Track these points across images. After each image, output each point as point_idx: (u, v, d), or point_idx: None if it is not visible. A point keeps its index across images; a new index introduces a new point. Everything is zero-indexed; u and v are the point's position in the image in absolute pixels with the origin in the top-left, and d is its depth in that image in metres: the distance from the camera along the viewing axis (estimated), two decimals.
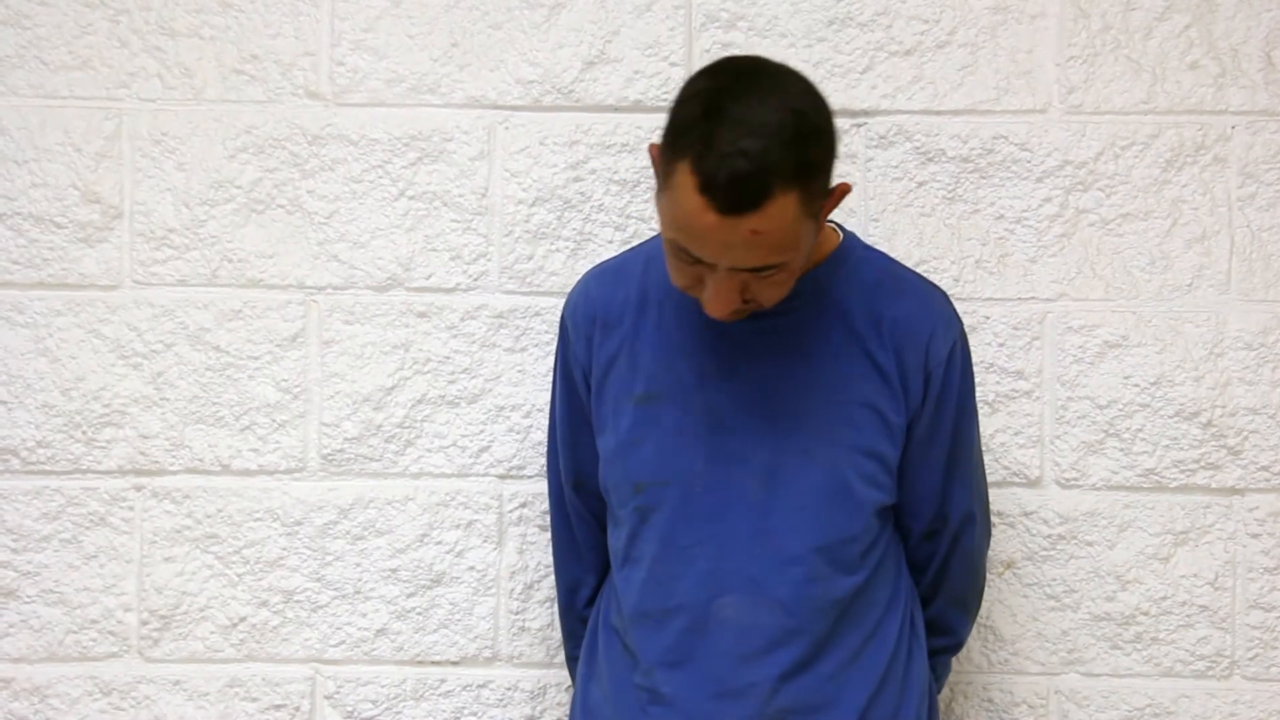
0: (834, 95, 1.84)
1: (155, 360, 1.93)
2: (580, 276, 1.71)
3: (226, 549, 1.94)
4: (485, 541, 1.94)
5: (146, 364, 1.93)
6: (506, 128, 1.94)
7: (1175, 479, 1.93)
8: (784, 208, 1.39)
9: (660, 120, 1.93)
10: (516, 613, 1.95)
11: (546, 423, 1.78)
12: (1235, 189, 1.93)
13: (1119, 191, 1.93)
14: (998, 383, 1.93)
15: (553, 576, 1.83)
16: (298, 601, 1.94)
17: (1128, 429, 1.92)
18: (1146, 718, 1.93)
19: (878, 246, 1.75)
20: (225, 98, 1.93)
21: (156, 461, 1.94)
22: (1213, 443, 1.92)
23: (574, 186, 1.93)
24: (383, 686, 1.94)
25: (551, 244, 1.94)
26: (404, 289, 1.94)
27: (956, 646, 1.76)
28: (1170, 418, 1.92)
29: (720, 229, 1.38)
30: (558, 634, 1.87)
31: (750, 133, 1.37)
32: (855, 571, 1.58)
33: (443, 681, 1.95)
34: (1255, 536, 1.93)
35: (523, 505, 1.94)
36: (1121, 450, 1.93)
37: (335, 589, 1.94)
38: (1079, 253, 1.93)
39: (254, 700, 1.94)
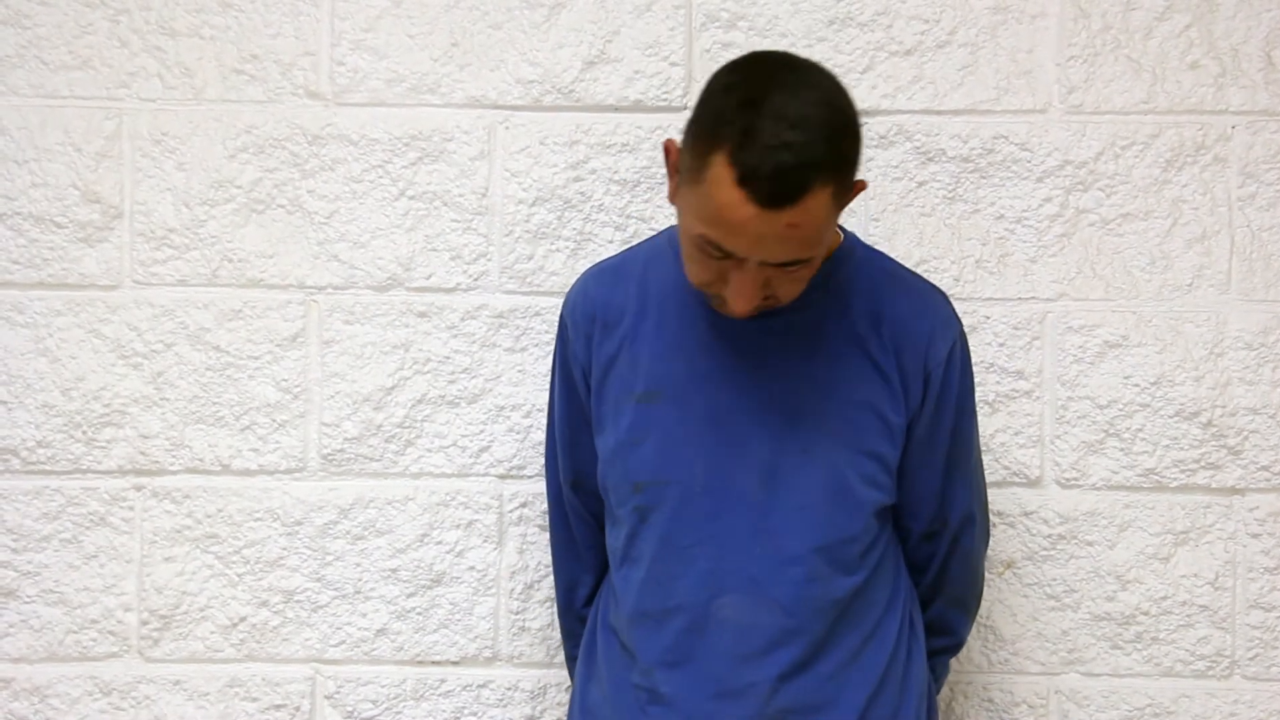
0: None
1: (155, 360, 1.93)
2: (579, 275, 1.71)
3: (227, 549, 1.94)
4: (485, 541, 1.94)
5: (147, 364, 1.93)
6: (507, 127, 1.94)
7: (1175, 479, 1.93)
8: (820, 201, 1.38)
9: (660, 120, 1.95)
10: (517, 613, 1.95)
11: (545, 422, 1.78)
12: (1235, 189, 1.93)
13: (1119, 191, 1.93)
14: (998, 383, 1.93)
15: (552, 576, 1.83)
16: (298, 601, 1.94)
17: (1128, 429, 1.92)
18: (1147, 718, 1.93)
19: (878, 246, 1.75)
20: (225, 97, 1.93)
21: (157, 461, 1.94)
22: (1213, 443, 1.92)
23: (574, 186, 1.93)
24: (383, 686, 1.94)
25: (552, 244, 1.94)
26: (404, 289, 1.94)
27: (956, 647, 1.76)
28: (1170, 418, 1.92)
29: (757, 222, 1.37)
30: (558, 634, 1.87)
31: (792, 125, 1.36)
32: (855, 572, 1.58)
33: (443, 681, 1.95)
34: (1255, 536, 1.93)
35: (523, 505, 1.94)
36: (1122, 450, 1.93)
37: (335, 589, 1.94)
38: (1079, 253, 1.93)
39: (254, 700, 1.94)
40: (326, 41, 1.94)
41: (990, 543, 1.89)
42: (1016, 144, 1.93)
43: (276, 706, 1.94)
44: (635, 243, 1.82)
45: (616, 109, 1.93)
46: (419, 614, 1.94)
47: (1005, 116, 1.93)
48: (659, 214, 1.93)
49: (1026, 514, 1.93)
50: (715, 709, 1.56)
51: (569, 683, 1.86)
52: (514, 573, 1.95)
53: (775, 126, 1.36)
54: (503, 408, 1.94)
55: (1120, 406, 1.93)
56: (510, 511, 1.94)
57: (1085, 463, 1.93)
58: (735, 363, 1.57)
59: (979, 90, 1.93)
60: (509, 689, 1.95)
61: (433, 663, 1.95)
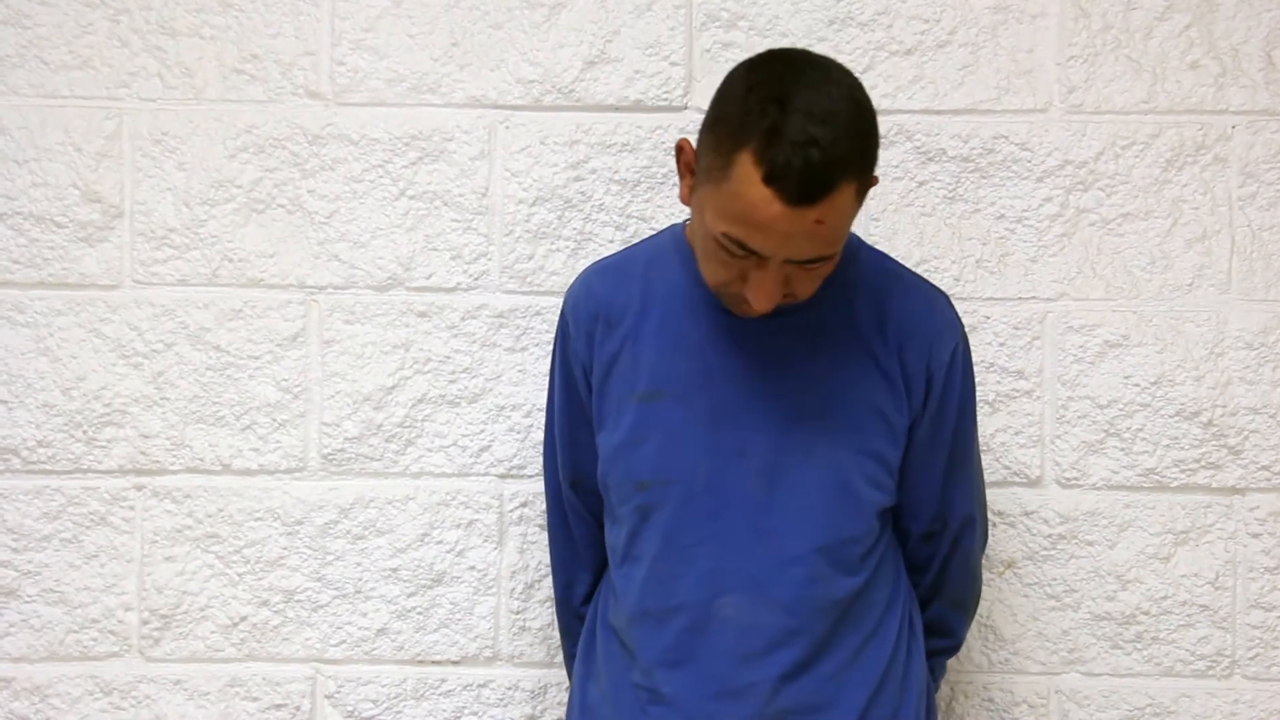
0: None
1: (156, 360, 1.93)
2: (580, 272, 1.71)
3: (227, 548, 1.94)
4: (486, 541, 1.94)
5: (147, 363, 1.93)
6: (507, 127, 1.94)
7: (1176, 479, 1.93)
8: (846, 198, 1.39)
9: (661, 120, 1.95)
10: (517, 612, 1.95)
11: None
12: (1236, 188, 1.93)
13: (1119, 191, 1.93)
14: (998, 382, 1.93)
15: (550, 575, 1.83)
16: (298, 601, 1.94)
17: (1128, 429, 1.92)
18: (1147, 717, 1.93)
19: (878, 246, 1.75)
20: (226, 97, 1.93)
21: (157, 461, 1.94)
22: (1213, 442, 1.92)
23: (574, 186, 1.93)
24: (383, 686, 1.94)
25: (552, 243, 1.94)
26: (404, 288, 1.94)
27: (955, 648, 1.76)
28: (1171, 417, 1.92)
29: (785, 219, 1.37)
30: (558, 633, 1.86)
31: (820, 121, 1.36)
32: (856, 573, 1.58)
33: (443, 681, 1.95)
34: (1256, 536, 1.93)
35: (523, 505, 1.94)
36: (1122, 450, 1.93)
37: (336, 588, 1.94)
38: (1079, 252, 1.93)
39: (254, 700, 1.94)
40: (327, 41, 1.94)
41: (990, 542, 1.90)
42: (1017, 144, 1.93)
43: (277, 706, 1.94)
44: (635, 242, 1.82)
45: (617, 109, 1.93)
46: (419, 613, 1.94)
47: (1005, 116, 1.93)
48: (659, 214, 1.93)
49: (1027, 514, 1.93)
50: (716, 709, 1.55)
51: (568, 682, 1.86)
52: (514, 572, 1.95)
53: (803, 123, 1.35)
54: (503, 407, 1.94)
55: (1120, 406, 1.93)
56: (510, 511, 1.94)
57: (1085, 462, 1.93)
58: (738, 362, 1.57)
59: (979, 90, 1.93)
60: (509, 688, 1.95)
61: (433, 662, 1.95)
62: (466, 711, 1.95)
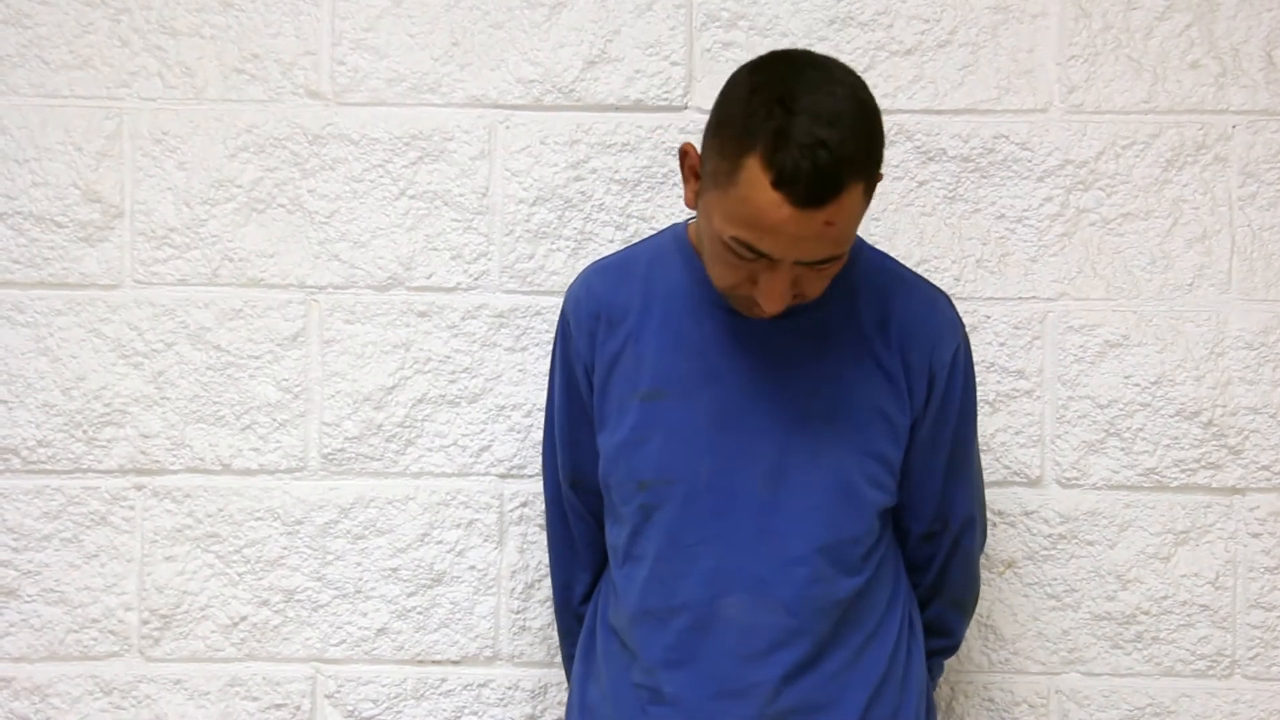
0: None
1: (156, 359, 1.93)
2: (580, 272, 1.71)
3: (227, 548, 1.94)
4: (486, 541, 1.94)
5: (147, 363, 1.93)
6: (507, 127, 1.94)
7: (1176, 478, 1.93)
8: (854, 198, 1.39)
9: (661, 120, 1.95)
10: (517, 612, 1.95)
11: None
12: (1236, 188, 1.93)
13: (1120, 191, 1.93)
14: (998, 382, 1.93)
15: (549, 574, 1.83)
16: (298, 601, 1.94)
17: (1128, 428, 1.93)
18: (1147, 717, 1.93)
19: (878, 246, 1.75)
20: (226, 97, 1.93)
21: (157, 461, 1.94)
22: (1213, 442, 1.92)
23: (575, 186, 1.93)
24: (383, 686, 1.94)
25: (552, 243, 1.94)
26: (404, 288, 1.94)
27: (953, 648, 1.76)
28: (1171, 417, 1.92)
29: (795, 222, 1.37)
30: (556, 634, 1.86)
31: (827, 123, 1.35)
32: (858, 573, 1.58)
33: (443, 681, 1.95)
34: (1256, 536, 1.93)
35: (523, 504, 1.94)
36: (1122, 450, 1.93)
37: (336, 588, 1.94)
38: (1080, 252, 1.93)
39: (255, 699, 1.94)
40: (327, 41, 1.94)
41: (990, 542, 1.90)
42: (1017, 143, 1.93)
43: (277, 706, 1.94)
44: (635, 241, 1.82)
45: (617, 108, 1.93)
46: (419, 613, 1.94)
47: (1006, 116, 1.93)
48: (659, 213, 1.93)
49: (1027, 514, 1.93)
50: (718, 709, 1.55)
51: (568, 682, 1.86)
52: (514, 572, 1.95)
53: (809, 125, 1.35)
54: (503, 407, 1.94)
55: (1121, 406, 1.93)
56: (511, 511, 1.94)
57: (1086, 462, 1.93)
58: (741, 362, 1.57)
59: (979, 90, 1.93)
60: (509, 688, 1.95)
61: (433, 662, 1.95)
62: (466, 711, 1.95)
